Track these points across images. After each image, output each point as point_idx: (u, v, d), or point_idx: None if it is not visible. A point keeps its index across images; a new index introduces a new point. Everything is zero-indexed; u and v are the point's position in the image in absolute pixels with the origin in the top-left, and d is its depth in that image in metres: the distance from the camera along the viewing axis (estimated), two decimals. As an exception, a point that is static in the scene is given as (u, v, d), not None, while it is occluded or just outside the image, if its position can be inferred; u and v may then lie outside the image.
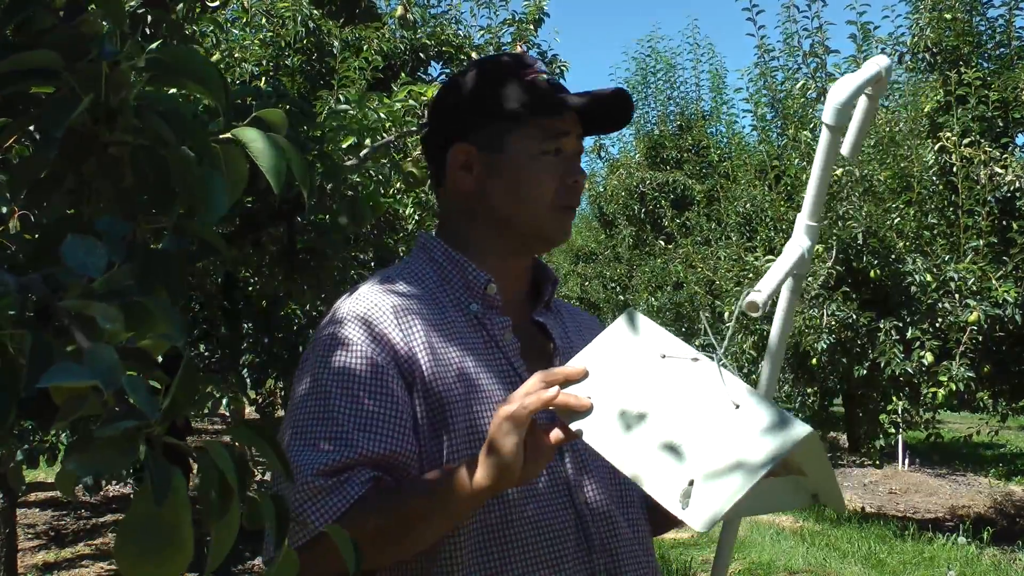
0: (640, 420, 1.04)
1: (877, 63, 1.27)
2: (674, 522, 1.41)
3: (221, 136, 0.74)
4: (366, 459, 1.09)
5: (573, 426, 1.04)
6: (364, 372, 1.13)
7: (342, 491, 1.07)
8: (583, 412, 1.04)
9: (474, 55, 5.27)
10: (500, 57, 1.32)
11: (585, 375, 1.07)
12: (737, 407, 1.02)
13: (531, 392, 1.04)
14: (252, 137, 0.72)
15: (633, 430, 1.03)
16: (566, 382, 1.06)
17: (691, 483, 0.97)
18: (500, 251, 1.27)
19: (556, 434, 1.04)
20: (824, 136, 1.27)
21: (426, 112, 1.35)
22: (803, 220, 1.31)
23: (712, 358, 1.06)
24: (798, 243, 1.29)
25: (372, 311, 1.18)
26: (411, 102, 2.86)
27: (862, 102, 1.26)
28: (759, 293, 1.22)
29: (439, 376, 1.16)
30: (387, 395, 1.12)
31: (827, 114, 1.26)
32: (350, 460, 1.08)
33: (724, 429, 1.01)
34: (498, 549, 1.13)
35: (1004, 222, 5.91)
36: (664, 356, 1.09)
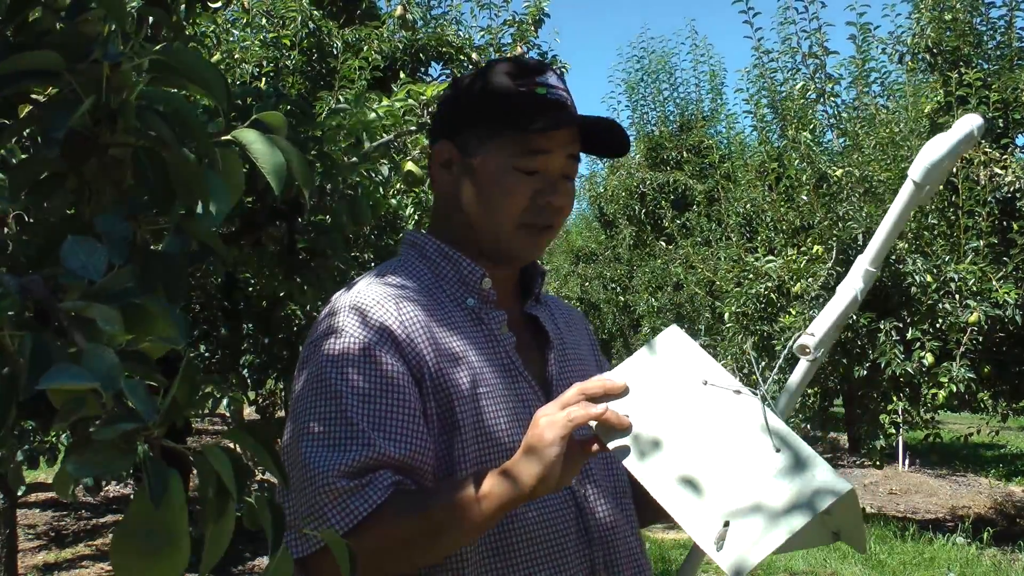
0: (680, 449, 1.03)
1: (971, 123, 1.22)
2: (660, 516, 1.43)
3: (220, 139, 0.74)
4: (386, 461, 1.07)
5: (612, 445, 1.03)
6: (374, 371, 1.11)
7: (364, 494, 1.04)
8: (622, 431, 1.04)
9: (475, 56, 5.28)
10: (510, 60, 1.28)
11: (625, 391, 1.06)
12: (778, 451, 1.01)
13: (571, 403, 1.03)
14: (252, 139, 0.72)
15: (672, 459, 1.03)
16: (605, 395, 1.05)
17: (726, 524, 0.97)
18: (479, 255, 1.25)
19: (595, 447, 1.05)
20: (907, 190, 1.23)
21: (430, 109, 1.35)
22: (863, 264, 1.28)
23: (756, 394, 1.05)
24: (852, 285, 1.26)
25: (375, 308, 1.15)
26: (411, 102, 2.86)
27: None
28: (811, 337, 1.19)
29: (446, 372, 1.14)
30: (399, 394, 1.10)
31: (916, 170, 1.21)
32: (370, 460, 1.06)
33: (764, 473, 1.00)
34: (504, 544, 1.13)
35: (1004, 223, 5.92)
36: (706, 383, 1.07)
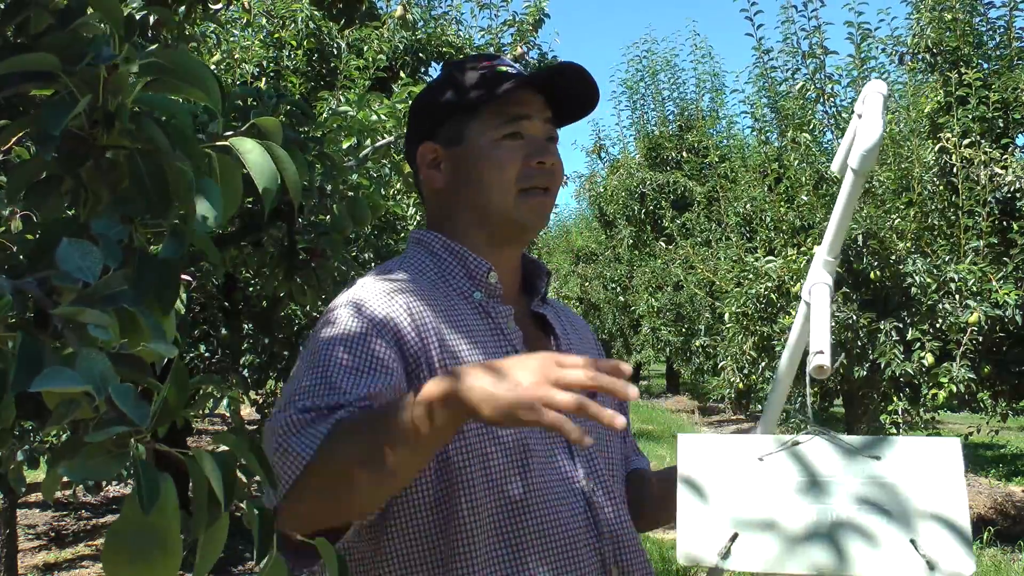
0: (775, 530, 1.12)
1: (878, 91, 1.25)
2: (651, 526, 1.45)
3: (218, 144, 0.74)
4: (354, 403, 1.04)
5: (750, 568, 1.11)
6: (364, 352, 1.09)
7: (326, 419, 1.01)
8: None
9: (474, 56, 5.28)
10: (465, 57, 1.36)
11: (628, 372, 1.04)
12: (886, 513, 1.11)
13: (572, 367, 0.90)
14: (248, 148, 0.72)
15: (782, 541, 1.11)
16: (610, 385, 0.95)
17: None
18: (487, 242, 1.26)
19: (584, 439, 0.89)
20: (849, 180, 1.25)
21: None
22: (822, 255, 1.29)
23: (816, 432, 1.14)
24: (822, 280, 1.27)
25: (380, 300, 1.15)
26: (411, 103, 2.86)
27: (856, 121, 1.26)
28: (823, 355, 1.17)
29: (449, 364, 1.13)
30: (385, 373, 1.08)
31: (854, 158, 1.23)
32: (337, 403, 1.03)
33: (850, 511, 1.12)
34: (515, 537, 1.12)
35: (1004, 223, 5.91)
36: (762, 459, 1.14)
